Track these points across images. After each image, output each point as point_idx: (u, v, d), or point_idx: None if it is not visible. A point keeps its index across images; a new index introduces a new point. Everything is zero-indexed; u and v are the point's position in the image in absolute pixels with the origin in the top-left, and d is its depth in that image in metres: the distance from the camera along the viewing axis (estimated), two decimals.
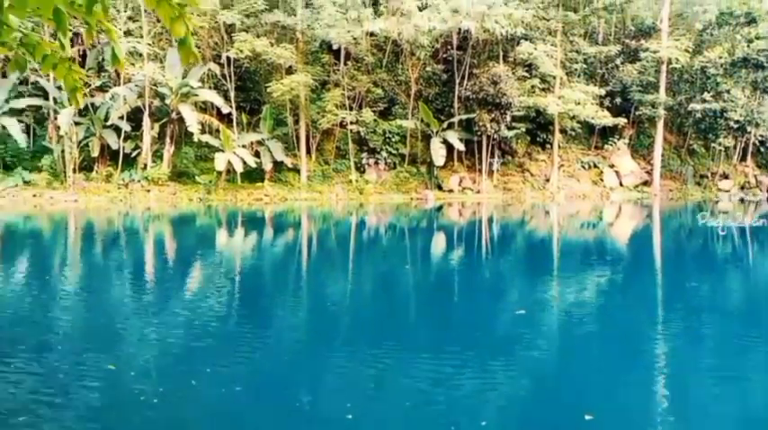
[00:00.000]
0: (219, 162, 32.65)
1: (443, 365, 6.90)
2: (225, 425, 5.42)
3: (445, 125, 37.73)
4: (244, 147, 34.58)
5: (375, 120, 37.71)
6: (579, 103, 37.53)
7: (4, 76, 33.12)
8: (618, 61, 41.29)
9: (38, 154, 33.88)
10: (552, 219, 30.26)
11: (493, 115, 36.19)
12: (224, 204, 32.37)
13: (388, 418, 5.61)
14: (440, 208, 33.88)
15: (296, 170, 37.03)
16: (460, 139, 37.65)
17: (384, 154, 38.14)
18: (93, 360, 7.08)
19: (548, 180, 40.49)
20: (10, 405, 5.66)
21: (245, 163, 33.35)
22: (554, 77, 38.72)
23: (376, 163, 38.31)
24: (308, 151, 37.38)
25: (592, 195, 40.31)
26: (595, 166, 42.23)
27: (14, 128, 31.28)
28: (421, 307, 10.90)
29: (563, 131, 40.65)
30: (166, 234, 22.72)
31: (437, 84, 39.78)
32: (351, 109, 37.17)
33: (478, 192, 38.65)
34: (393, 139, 38.38)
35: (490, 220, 28.14)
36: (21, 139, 31.54)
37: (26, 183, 32.28)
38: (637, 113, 41.77)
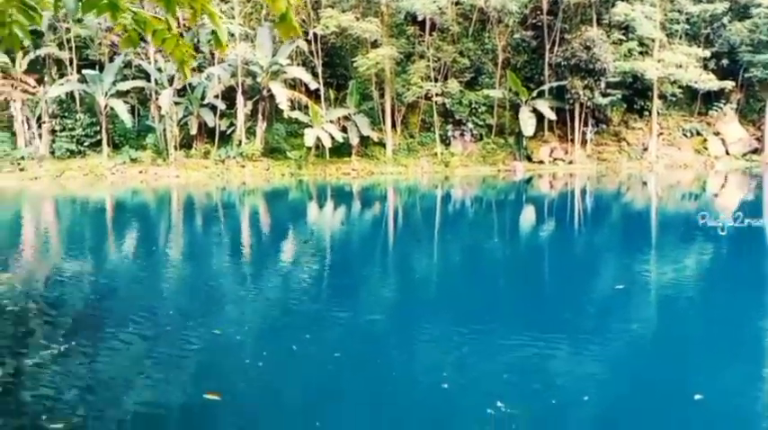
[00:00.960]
0: (309, 137, 33.43)
1: (539, 340, 6.80)
2: (326, 388, 5.66)
3: (535, 94, 36.48)
4: (331, 122, 35.16)
5: (461, 91, 37.10)
6: (681, 67, 35.03)
7: (111, 60, 35.35)
8: (725, 20, 38.02)
9: (142, 133, 36.10)
10: (650, 190, 28.73)
11: (586, 82, 34.57)
12: (314, 179, 33.21)
13: (483, 389, 5.62)
14: (529, 180, 33.04)
15: (382, 144, 37.26)
16: (551, 108, 36.31)
17: (470, 125, 37.53)
18: (200, 325, 7.56)
19: (645, 149, 38.33)
20: (128, 366, 6.18)
21: (332, 138, 33.95)
22: (653, 40, 36.29)
23: (462, 135, 37.80)
24: (394, 125, 37.44)
25: (694, 164, 37.79)
26: (698, 134, 39.45)
27: (121, 109, 33.44)
28: (513, 281, 10.75)
29: (662, 97, 38.18)
30: (261, 207, 23.68)
31: (526, 51, 38.44)
32: (436, 80, 36.75)
33: (571, 162, 37.26)
34: (479, 110, 37.63)
35: (583, 192, 27.13)
36: (127, 120, 33.69)
37: (133, 160, 34.55)
38: (746, 76, 38.47)
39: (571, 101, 35.73)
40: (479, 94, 37.36)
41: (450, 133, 37.71)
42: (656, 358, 6.49)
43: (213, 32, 4.12)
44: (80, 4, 3.32)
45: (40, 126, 34.78)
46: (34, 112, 34.57)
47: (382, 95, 37.27)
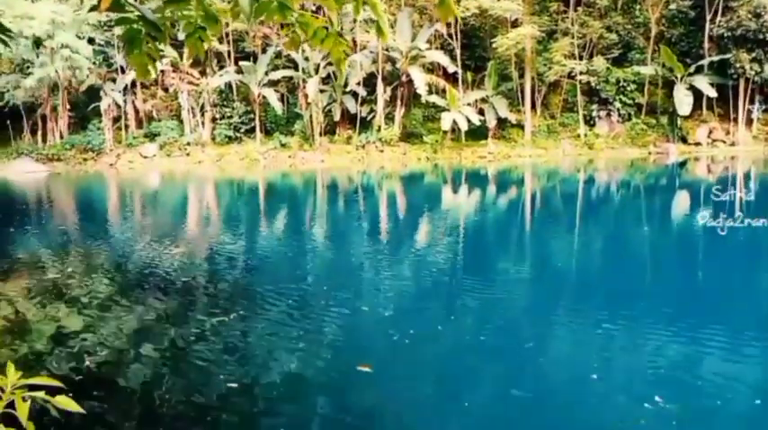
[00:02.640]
0: (445, 121, 33.58)
1: (694, 336, 6.47)
2: (473, 368, 5.89)
3: (692, 69, 33.41)
4: (468, 105, 34.98)
5: (608, 69, 35.04)
6: None
7: (264, 52, 37.96)
8: None
9: (291, 119, 38.51)
10: None
11: (754, 54, 31.07)
12: (449, 162, 33.37)
13: (636, 382, 5.50)
14: (683, 163, 30.54)
15: (520, 126, 36.39)
16: (711, 84, 33.09)
17: (617, 105, 35.35)
18: (347, 301, 8.11)
19: None
20: (282, 337, 6.83)
21: (469, 121, 33.79)
22: None
23: (608, 115, 35.75)
24: (533, 106, 36.36)
25: None
26: None
27: (272, 97, 35.93)
28: (663, 273, 10.19)
29: None
30: (398, 191, 24.34)
31: (682, 23, 35.27)
32: (580, 58, 35.04)
33: (732, 144, 33.82)
34: (628, 88, 35.29)
35: (747, 176, 24.57)
36: (277, 107, 36.14)
37: (282, 145, 37.04)
38: None
39: (735, 76, 32.34)
40: (628, 71, 35.05)
41: (594, 113, 35.87)
42: None
43: (376, 23, 4.39)
44: (254, 7, 3.72)
45: (202, 114, 38.40)
46: (198, 102, 38.21)
47: (522, 76, 36.32)
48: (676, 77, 33.42)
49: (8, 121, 39.82)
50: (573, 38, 34.89)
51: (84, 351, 6.31)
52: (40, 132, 39.96)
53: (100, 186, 30.35)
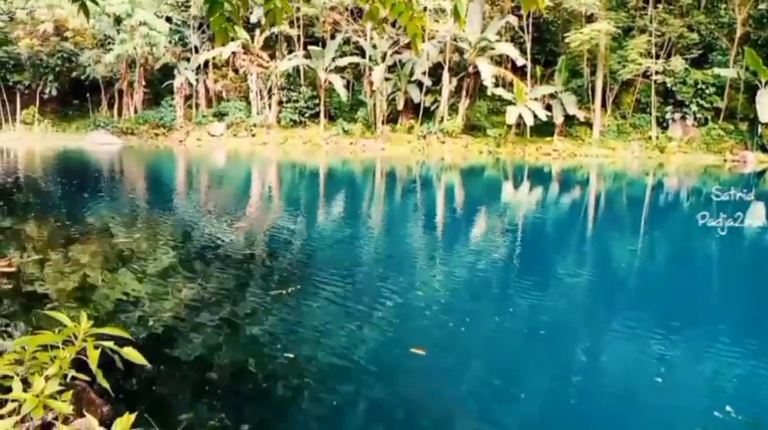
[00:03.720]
0: (510, 115, 33.00)
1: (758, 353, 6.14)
2: (531, 361, 5.82)
3: None
4: (536, 100, 34.24)
5: (686, 70, 33.50)
6: None
7: (332, 38, 38.30)
8: None
9: (354, 106, 38.79)
10: None
11: None
12: (511, 157, 32.79)
13: (704, 390, 5.27)
14: (762, 173, 28.89)
15: (588, 124, 35.34)
16: None
17: (693, 108, 33.76)
18: (402, 287, 8.11)
19: None
20: (336, 316, 6.91)
21: (535, 116, 33.08)
22: None
23: (683, 118, 34.21)
24: (604, 104, 35.22)
25: None
26: None
27: (338, 83, 36.27)
28: (732, 285, 9.69)
29: None
30: (457, 183, 24.13)
31: None
32: (657, 57, 33.63)
33: None
34: (706, 91, 33.62)
35: None
36: (342, 94, 36.47)
37: (345, 132, 37.38)
38: None
39: None
40: (708, 73, 33.40)
41: (668, 116, 34.42)
42: None
43: (454, 7, 4.34)
44: None
45: (270, 97, 39.19)
46: (266, 85, 39.02)
47: (593, 73, 35.24)
48: (760, 82, 31.60)
49: (88, 95, 41.92)
50: (651, 36, 33.52)
51: (145, 316, 6.58)
52: (116, 106, 41.85)
53: (169, 161, 31.52)
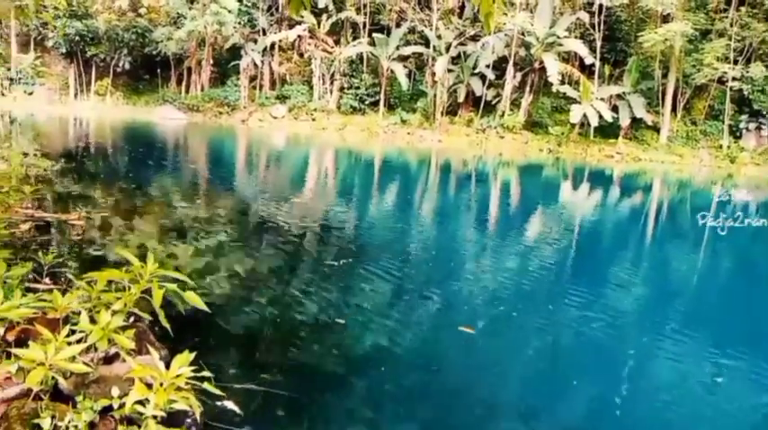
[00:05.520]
0: (574, 114, 32.16)
1: None
2: (582, 356, 5.71)
3: None
4: (602, 100, 33.22)
5: (766, 77, 31.76)
6: None
7: (398, 26, 38.25)
8: None
9: (414, 96, 38.66)
10: None
11: None
12: (572, 158, 31.99)
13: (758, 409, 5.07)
14: None
15: (655, 128, 34.07)
16: None
17: None
18: (454, 272, 8.09)
19: None
20: (384, 293, 6.95)
21: (600, 117, 32.11)
22: None
23: (758, 128, 32.50)
24: (674, 109, 33.84)
25: None
26: None
27: (400, 72, 36.23)
28: None
29: None
30: (513, 181, 23.76)
31: None
32: (735, 62, 32.02)
33: None
34: None
35: None
36: (404, 83, 36.41)
37: (403, 121, 37.34)
38: None
39: None
40: None
41: (742, 125, 32.76)
42: None
43: None
44: None
45: (332, 83, 39.53)
46: (329, 70, 39.36)
47: (665, 75, 33.88)
48: None
49: (158, 70, 43.36)
50: (730, 40, 31.92)
51: (202, 285, 6.80)
52: (184, 83, 43.14)
53: (231, 139, 32.31)
